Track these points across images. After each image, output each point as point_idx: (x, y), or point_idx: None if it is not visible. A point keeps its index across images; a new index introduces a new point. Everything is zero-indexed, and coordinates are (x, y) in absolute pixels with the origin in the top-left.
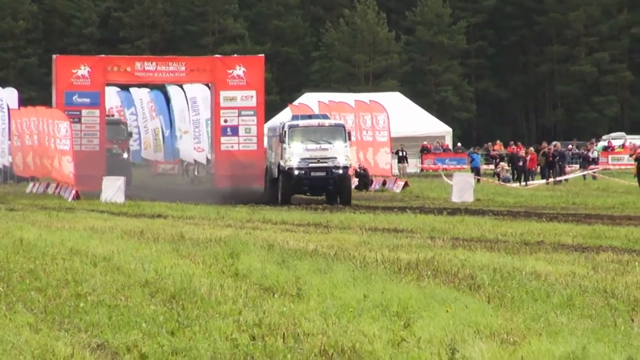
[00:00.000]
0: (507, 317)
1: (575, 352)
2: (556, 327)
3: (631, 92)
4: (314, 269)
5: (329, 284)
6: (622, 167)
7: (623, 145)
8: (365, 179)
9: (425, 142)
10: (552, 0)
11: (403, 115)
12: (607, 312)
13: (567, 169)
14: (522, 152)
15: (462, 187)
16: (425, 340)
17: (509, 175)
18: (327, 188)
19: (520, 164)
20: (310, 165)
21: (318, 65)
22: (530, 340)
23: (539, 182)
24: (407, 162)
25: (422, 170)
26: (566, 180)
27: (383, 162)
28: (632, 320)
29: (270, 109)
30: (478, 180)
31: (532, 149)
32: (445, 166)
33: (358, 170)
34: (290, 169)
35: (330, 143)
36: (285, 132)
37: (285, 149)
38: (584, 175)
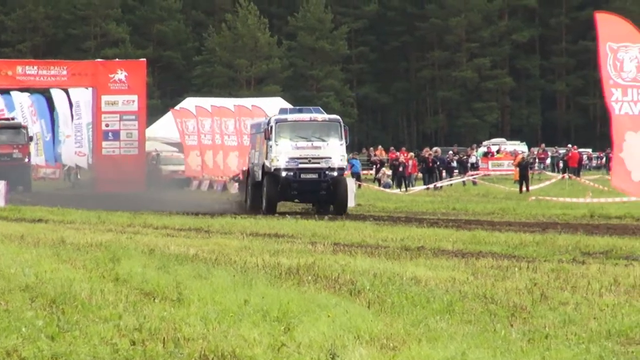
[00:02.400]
0: (387, 322)
1: (454, 357)
2: (436, 332)
3: (511, 98)
4: (194, 273)
5: (210, 289)
6: (502, 173)
7: (499, 151)
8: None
9: None
10: (433, 6)
11: None
12: (486, 317)
13: (454, 173)
14: (401, 158)
15: None
16: (305, 345)
17: (389, 180)
18: (320, 193)
19: (401, 169)
20: (300, 165)
21: (200, 70)
22: (410, 345)
23: (419, 187)
24: None
25: None
26: (451, 185)
27: None
28: (512, 326)
29: (152, 114)
30: (359, 186)
31: (412, 154)
32: None
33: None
34: (277, 170)
35: (323, 140)
36: (271, 127)
37: (271, 147)
38: (464, 181)
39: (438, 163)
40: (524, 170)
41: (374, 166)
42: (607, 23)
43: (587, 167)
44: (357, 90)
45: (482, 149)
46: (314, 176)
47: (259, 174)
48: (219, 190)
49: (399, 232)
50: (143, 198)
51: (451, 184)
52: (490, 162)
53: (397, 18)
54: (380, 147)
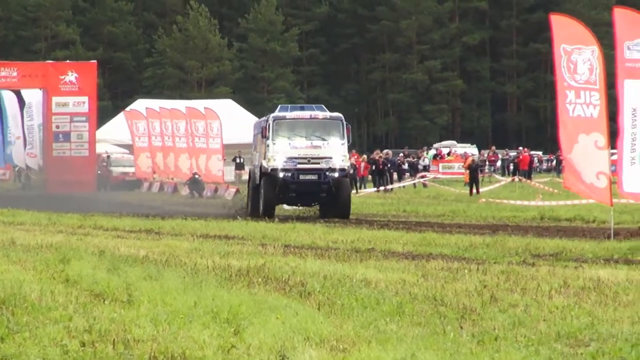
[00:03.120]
0: (337, 324)
1: (404, 359)
2: (386, 334)
3: (462, 100)
4: (144, 275)
5: (160, 291)
6: (453, 175)
7: (449, 153)
8: (199, 185)
9: None
10: (384, 8)
11: (235, 123)
12: (436, 319)
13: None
14: (352, 160)
15: None
16: (255, 347)
17: None
18: (320, 195)
19: (352, 171)
20: (299, 166)
21: (151, 71)
22: (360, 347)
23: (370, 189)
24: (244, 169)
25: None
26: (402, 187)
27: (215, 169)
28: (461, 328)
29: (103, 115)
30: None
31: (363, 157)
32: None
33: (193, 176)
34: (274, 170)
35: (324, 140)
36: (269, 125)
37: (268, 146)
38: (414, 184)
39: (389, 165)
40: (474, 172)
41: None
42: (561, 25)
43: (538, 169)
44: (308, 92)
45: (433, 152)
46: (314, 177)
47: (257, 177)
48: (170, 192)
49: (350, 234)
50: (93, 199)
51: (402, 187)
52: (440, 165)
53: (347, 20)
54: None
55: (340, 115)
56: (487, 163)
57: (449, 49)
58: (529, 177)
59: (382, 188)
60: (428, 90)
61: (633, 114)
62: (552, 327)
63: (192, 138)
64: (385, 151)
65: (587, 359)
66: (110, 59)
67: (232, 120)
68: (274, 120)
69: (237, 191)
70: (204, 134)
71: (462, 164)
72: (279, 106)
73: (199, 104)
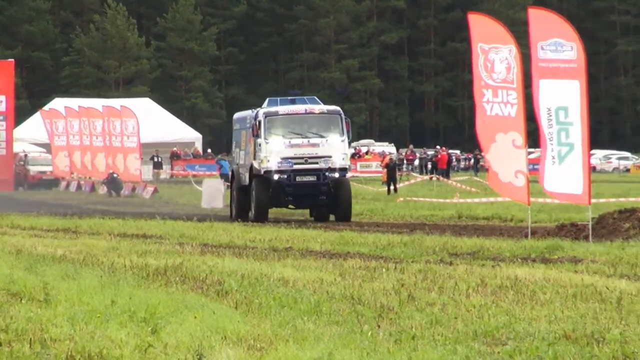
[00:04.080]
0: (255, 323)
1: (321, 358)
2: (303, 333)
3: (380, 99)
4: (62, 274)
5: (77, 290)
6: (371, 174)
7: (367, 152)
8: (116, 184)
9: (175, 148)
10: (302, 8)
11: (153, 121)
12: (353, 318)
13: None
14: None
15: (211, 193)
16: (172, 346)
17: None
18: (318, 198)
19: None
20: (295, 167)
21: (68, 70)
22: (277, 346)
23: None
24: (162, 168)
25: (172, 176)
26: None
27: (133, 167)
28: (379, 327)
29: (20, 114)
30: (228, 187)
31: None
32: (195, 172)
33: (111, 175)
34: (268, 172)
35: (322, 137)
36: (259, 122)
37: (260, 145)
38: None
39: None
40: (392, 171)
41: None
42: (479, 24)
43: (456, 168)
44: (226, 91)
45: (351, 150)
46: (312, 179)
47: (245, 177)
48: (87, 191)
49: (267, 233)
50: (11, 198)
51: None
52: (358, 163)
53: (266, 19)
54: None
55: (338, 108)
56: (405, 162)
57: (367, 47)
58: (447, 176)
59: None
60: (346, 89)
61: (548, 114)
62: (469, 326)
63: (110, 137)
64: None
65: (505, 358)
66: (28, 58)
67: (150, 119)
68: (265, 117)
69: (155, 190)
70: (121, 132)
71: (380, 162)
72: (267, 99)
73: (116, 103)
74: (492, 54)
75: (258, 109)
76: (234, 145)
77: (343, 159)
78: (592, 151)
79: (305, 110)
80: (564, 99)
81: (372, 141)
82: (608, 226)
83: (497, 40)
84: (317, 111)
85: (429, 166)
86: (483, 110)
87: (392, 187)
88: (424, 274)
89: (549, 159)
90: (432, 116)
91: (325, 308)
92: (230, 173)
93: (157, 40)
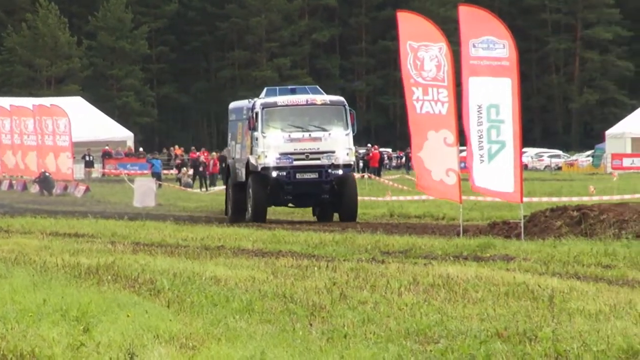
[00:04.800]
0: (187, 321)
1: (253, 356)
2: (235, 331)
3: None
4: None
5: (9, 289)
6: None
7: None
8: (48, 183)
9: (107, 147)
10: (233, 6)
11: (85, 120)
12: (286, 316)
13: None
14: (202, 158)
15: (143, 192)
16: (104, 344)
17: (190, 180)
18: (321, 197)
19: (202, 169)
20: (296, 163)
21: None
22: (209, 344)
23: (220, 187)
24: (94, 167)
25: (103, 175)
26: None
27: (65, 166)
28: (311, 325)
29: None
30: (159, 186)
31: (214, 154)
32: (127, 171)
33: (42, 174)
34: (266, 168)
35: (325, 130)
36: (257, 114)
37: (257, 139)
38: None
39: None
40: None
41: (176, 165)
42: (407, 22)
43: (388, 166)
44: (158, 89)
45: None
46: (313, 176)
47: (241, 173)
48: (19, 190)
49: (199, 232)
50: None
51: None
52: None
53: (197, 18)
54: (177, 146)
55: (342, 99)
56: None
57: (299, 46)
58: (379, 174)
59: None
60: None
61: (479, 112)
62: (401, 324)
63: (41, 136)
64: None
65: (437, 356)
66: None
67: (82, 118)
68: (263, 108)
69: (87, 189)
70: (53, 131)
71: None
72: (265, 89)
73: (48, 102)
74: (422, 52)
75: (255, 99)
76: (229, 137)
77: (347, 154)
78: (524, 149)
79: (307, 101)
80: (496, 96)
81: None
82: (540, 224)
83: (426, 38)
84: (319, 102)
85: (361, 164)
86: (413, 108)
87: None
88: (356, 273)
89: (477, 157)
90: (364, 114)
91: (257, 307)
92: (226, 168)
93: (89, 39)
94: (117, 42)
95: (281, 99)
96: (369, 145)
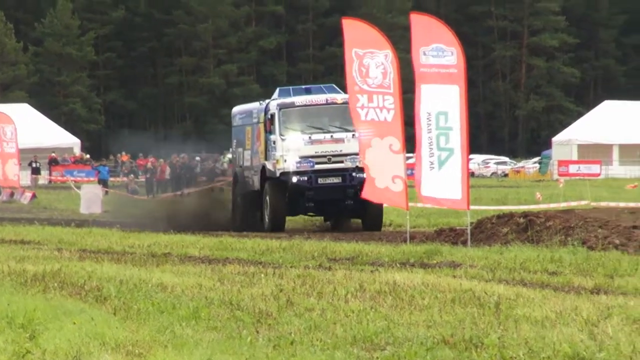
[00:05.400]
0: (133, 329)
1: None
2: (182, 338)
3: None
4: None
5: None
6: None
7: None
8: None
9: (53, 154)
10: (180, 12)
11: (31, 127)
12: (232, 323)
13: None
14: (149, 164)
15: (90, 198)
16: (50, 352)
17: (137, 187)
18: (344, 203)
19: (149, 175)
20: (317, 167)
21: None
22: (155, 352)
23: (168, 194)
24: (40, 174)
25: (50, 181)
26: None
27: (11, 173)
28: (257, 332)
29: None
30: (106, 192)
31: (161, 160)
32: (74, 178)
33: None
34: (285, 174)
35: (347, 131)
36: (273, 115)
37: (274, 142)
38: (212, 187)
39: (185, 169)
40: None
41: (124, 172)
42: (353, 29)
43: None
44: (104, 96)
45: (230, 155)
46: (337, 180)
47: (253, 181)
48: None
49: (146, 239)
50: None
51: (199, 190)
52: None
53: (144, 24)
54: (124, 152)
55: None
56: None
57: (246, 53)
58: None
59: (178, 192)
60: (225, 94)
61: (428, 119)
62: (348, 331)
63: None
64: (182, 155)
65: None
66: None
67: (28, 125)
68: (280, 109)
69: (34, 196)
70: None
71: None
72: (278, 89)
73: None
74: (368, 59)
75: (268, 101)
76: (234, 144)
77: None
78: (471, 156)
79: (327, 100)
80: (445, 104)
81: None
82: (486, 231)
83: (372, 45)
84: (339, 101)
85: None
86: (358, 115)
87: None
88: (303, 279)
89: (426, 164)
90: None
91: (204, 313)
92: (233, 176)
93: (35, 46)
94: (63, 49)
95: (299, 99)
96: None
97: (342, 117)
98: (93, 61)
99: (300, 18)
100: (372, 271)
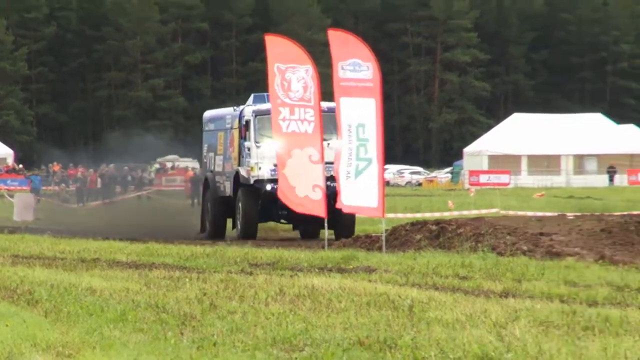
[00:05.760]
0: (63, 330)
1: None
2: (110, 340)
3: (184, 117)
4: None
5: None
6: (175, 188)
7: (173, 167)
8: None
9: None
10: (110, 29)
11: None
12: (158, 326)
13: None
14: (79, 174)
15: (23, 206)
16: None
17: (68, 195)
18: None
19: (79, 184)
20: None
21: None
22: (84, 353)
23: (97, 202)
24: None
25: None
26: (149, 197)
27: None
28: (182, 334)
29: None
30: (38, 201)
31: (91, 170)
32: (7, 187)
33: None
34: (259, 181)
35: (323, 140)
36: (248, 122)
37: (249, 149)
38: (139, 196)
39: (115, 179)
40: (195, 185)
41: (55, 181)
42: (275, 45)
43: None
44: (37, 109)
45: (157, 165)
46: None
47: (224, 187)
48: None
49: (76, 245)
50: None
51: (129, 198)
52: (164, 178)
53: (75, 40)
54: (55, 163)
55: None
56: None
57: (172, 67)
58: None
59: (107, 200)
60: (152, 107)
61: (349, 131)
62: (268, 333)
63: None
64: (110, 165)
65: None
66: None
67: None
68: (255, 116)
69: None
70: None
71: (184, 177)
72: (252, 95)
73: None
74: (289, 74)
75: (242, 107)
76: (205, 148)
77: None
78: (386, 166)
79: None
80: (362, 116)
81: (176, 157)
82: (400, 237)
83: (294, 60)
84: None
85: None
86: (279, 127)
87: (195, 200)
88: (226, 284)
89: (344, 174)
90: None
91: (131, 316)
92: (203, 182)
93: None
94: None
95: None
96: None
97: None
98: (26, 75)
99: (224, 34)
100: (291, 276)
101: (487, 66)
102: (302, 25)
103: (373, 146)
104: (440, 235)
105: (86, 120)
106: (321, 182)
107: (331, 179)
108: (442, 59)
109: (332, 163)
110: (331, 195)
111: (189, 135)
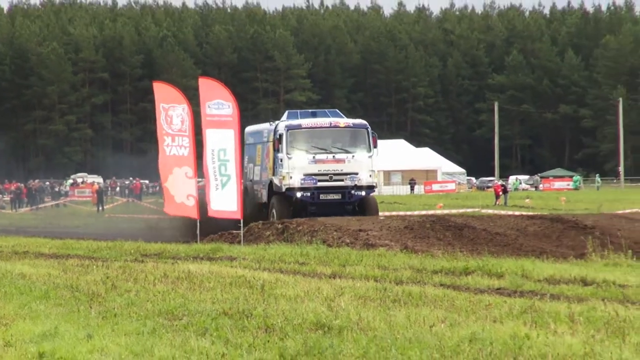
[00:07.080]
0: (1, 305)
1: (49, 330)
2: (36, 312)
3: (92, 144)
4: None
5: None
6: (85, 198)
7: (83, 182)
8: None
9: None
10: (35, 78)
11: None
12: (72, 301)
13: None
14: (13, 188)
15: None
16: None
17: (4, 203)
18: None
19: (13, 195)
20: (320, 184)
21: None
22: (18, 323)
23: (26, 209)
24: None
25: None
26: (52, 206)
27: None
28: (91, 307)
29: None
30: None
31: (22, 185)
32: None
33: None
34: (290, 189)
35: (348, 152)
36: (281, 136)
37: (282, 160)
38: (58, 204)
39: (40, 191)
40: (100, 195)
41: None
42: (160, 89)
43: (146, 193)
44: None
45: (70, 181)
46: (337, 197)
47: (261, 194)
48: None
49: (11, 241)
50: None
51: (50, 206)
52: (76, 190)
53: (8, 87)
54: None
55: (364, 122)
56: (109, 188)
57: (82, 107)
58: (140, 199)
59: (34, 207)
60: (67, 137)
61: (212, 154)
62: (156, 306)
63: None
64: (36, 180)
65: (181, 329)
66: None
67: None
68: (287, 130)
69: None
70: None
71: (91, 189)
72: (287, 112)
73: None
74: (171, 111)
75: (278, 122)
76: (246, 160)
77: (370, 175)
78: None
79: (330, 123)
80: (224, 143)
81: (85, 174)
82: (255, 234)
83: (174, 101)
84: (342, 125)
85: (127, 192)
86: (164, 151)
87: (100, 208)
88: (124, 269)
89: (213, 186)
90: (128, 156)
91: (52, 294)
92: (243, 189)
93: None
94: None
95: (305, 122)
96: (131, 178)
97: (344, 140)
98: None
99: (121, 81)
100: (173, 263)
101: (319, 104)
102: (179, 74)
103: (232, 165)
104: (284, 231)
105: (18, 147)
106: (194, 192)
107: (355, 187)
108: (284, 99)
109: (355, 174)
110: (355, 202)
111: (95, 158)
